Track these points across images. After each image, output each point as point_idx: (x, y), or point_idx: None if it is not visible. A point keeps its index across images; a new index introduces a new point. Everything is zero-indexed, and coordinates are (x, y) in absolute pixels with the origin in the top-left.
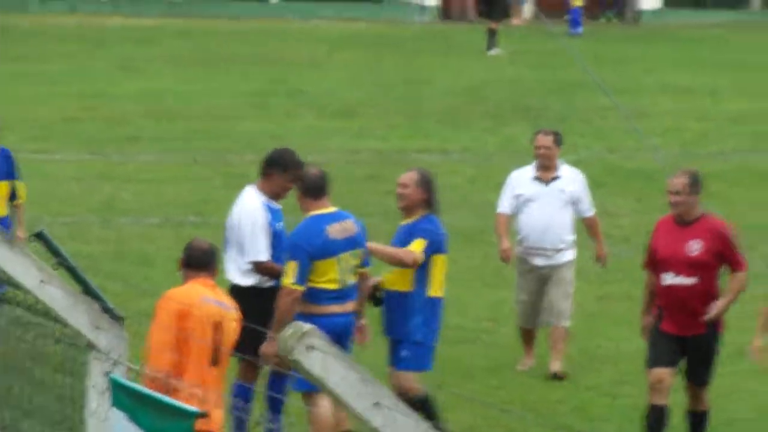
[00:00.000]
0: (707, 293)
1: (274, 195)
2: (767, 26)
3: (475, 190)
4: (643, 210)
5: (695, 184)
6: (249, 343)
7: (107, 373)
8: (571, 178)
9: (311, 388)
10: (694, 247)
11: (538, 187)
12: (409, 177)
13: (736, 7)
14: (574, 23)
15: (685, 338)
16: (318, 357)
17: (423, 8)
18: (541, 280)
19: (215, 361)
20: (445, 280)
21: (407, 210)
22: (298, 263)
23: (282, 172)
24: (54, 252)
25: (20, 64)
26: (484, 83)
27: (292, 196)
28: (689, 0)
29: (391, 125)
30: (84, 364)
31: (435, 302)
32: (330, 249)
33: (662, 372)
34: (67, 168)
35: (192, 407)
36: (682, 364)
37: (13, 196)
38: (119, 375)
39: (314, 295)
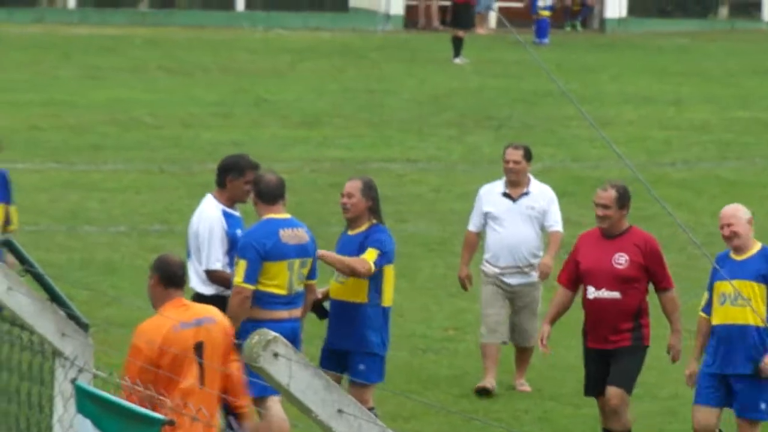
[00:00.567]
0: (630, 308)
1: (232, 201)
2: (732, 35)
3: (439, 199)
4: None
5: (623, 197)
6: None
7: (73, 380)
8: (540, 194)
9: (263, 392)
10: (620, 261)
11: (506, 204)
12: (354, 186)
13: (703, 16)
14: (541, 33)
15: (608, 351)
16: (283, 364)
17: (388, 17)
18: (508, 296)
19: (203, 381)
20: (396, 289)
21: (351, 220)
22: (247, 262)
23: (238, 176)
24: (21, 259)
25: None
26: (449, 92)
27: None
28: (654, 9)
29: (355, 134)
30: (51, 371)
31: (387, 312)
32: (281, 252)
33: (603, 400)
34: (32, 177)
35: (157, 414)
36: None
37: (7, 221)
38: (85, 382)
39: (263, 300)
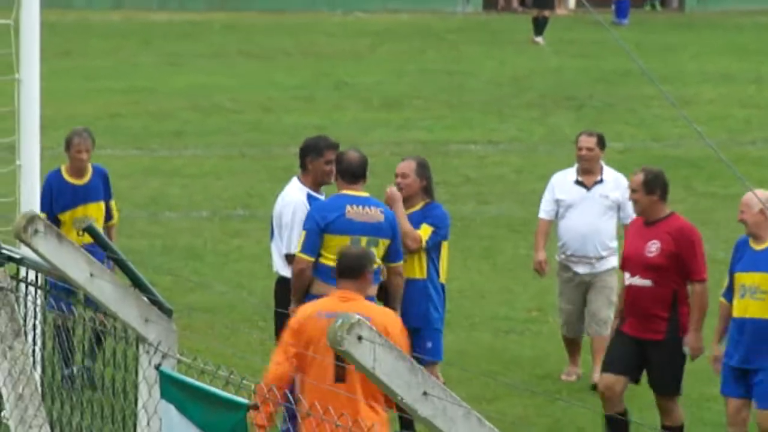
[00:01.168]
0: (663, 297)
1: (316, 184)
2: None
3: (521, 180)
4: (690, 198)
5: (651, 182)
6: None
7: (157, 366)
8: (615, 183)
9: None
10: (651, 249)
11: (579, 192)
12: (408, 166)
13: None
14: (621, 13)
15: (643, 342)
16: (368, 347)
17: None
18: (582, 287)
19: (340, 377)
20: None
21: (408, 200)
22: (307, 233)
23: (317, 157)
24: (103, 245)
25: (65, 60)
26: (529, 73)
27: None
28: None
29: (436, 116)
30: (135, 357)
31: (444, 288)
32: (343, 226)
33: (611, 379)
34: (114, 163)
35: (241, 399)
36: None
37: (108, 216)
38: (169, 368)
39: (324, 272)
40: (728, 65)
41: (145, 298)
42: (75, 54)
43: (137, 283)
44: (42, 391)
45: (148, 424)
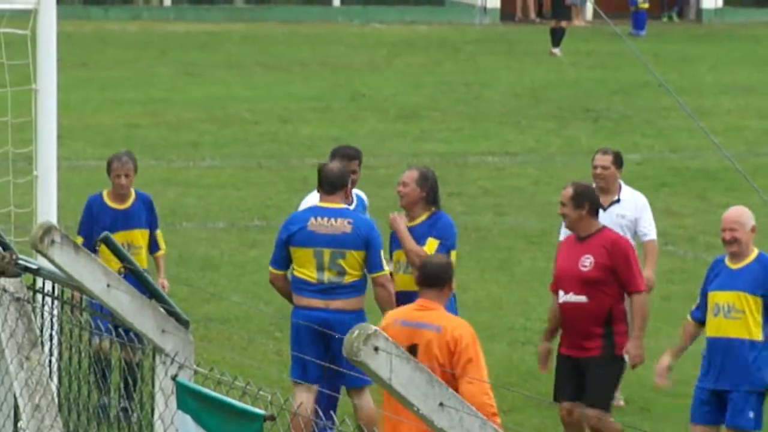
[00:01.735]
0: (598, 313)
1: None
2: None
3: (539, 191)
4: (707, 209)
5: (580, 196)
6: None
7: (174, 377)
8: (632, 202)
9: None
10: (585, 263)
11: None
12: (410, 175)
13: None
14: (638, 25)
15: (580, 360)
16: (384, 358)
17: (484, 10)
18: None
19: None
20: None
21: (408, 208)
22: (275, 245)
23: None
24: (120, 256)
25: (82, 71)
26: (546, 85)
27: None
28: None
29: (453, 128)
30: (151, 368)
31: (455, 298)
32: (305, 239)
33: (567, 405)
34: None
35: (257, 409)
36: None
37: (155, 246)
38: (185, 378)
39: (296, 285)
40: (746, 76)
41: (162, 309)
42: (92, 65)
43: (154, 294)
44: (59, 401)
45: None
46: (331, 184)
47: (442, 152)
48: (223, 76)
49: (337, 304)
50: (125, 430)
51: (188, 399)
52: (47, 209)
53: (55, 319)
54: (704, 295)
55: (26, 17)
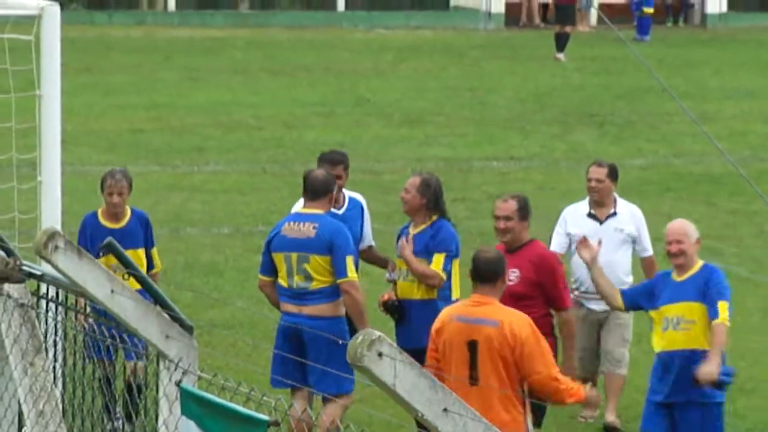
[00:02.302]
0: None
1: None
2: None
3: (543, 197)
4: (711, 214)
5: (524, 208)
6: None
7: (178, 382)
8: (629, 216)
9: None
10: (512, 277)
11: (592, 226)
12: (412, 182)
13: None
14: (643, 30)
15: None
16: (388, 364)
17: (489, 15)
18: (596, 325)
19: (474, 379)
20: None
21: (410, 214)
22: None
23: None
24: (124, 262)
25: (86, 76)
26: (551, 90)
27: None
28: (755, 3)
29: (458, 133)
30: (155, 374)
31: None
32: (278, 244)
33: None
34: (135, 180)
35: (262, 415)
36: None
37: (150, 265)
38: (189, 384)
39: (278, 290)
40: (750, 81)
41: (166, 315)
42: (96, 70)
43: (158, 300)
44: (63, 407)
45: None
46: (313, 191)
47: (446, 157)
48: (227, 81)
49: (308, 309)
50: None
51: (192, 405)
52: (51, 215)
53: (59, 325)
54: (651, 311)
55: (30, 23)
